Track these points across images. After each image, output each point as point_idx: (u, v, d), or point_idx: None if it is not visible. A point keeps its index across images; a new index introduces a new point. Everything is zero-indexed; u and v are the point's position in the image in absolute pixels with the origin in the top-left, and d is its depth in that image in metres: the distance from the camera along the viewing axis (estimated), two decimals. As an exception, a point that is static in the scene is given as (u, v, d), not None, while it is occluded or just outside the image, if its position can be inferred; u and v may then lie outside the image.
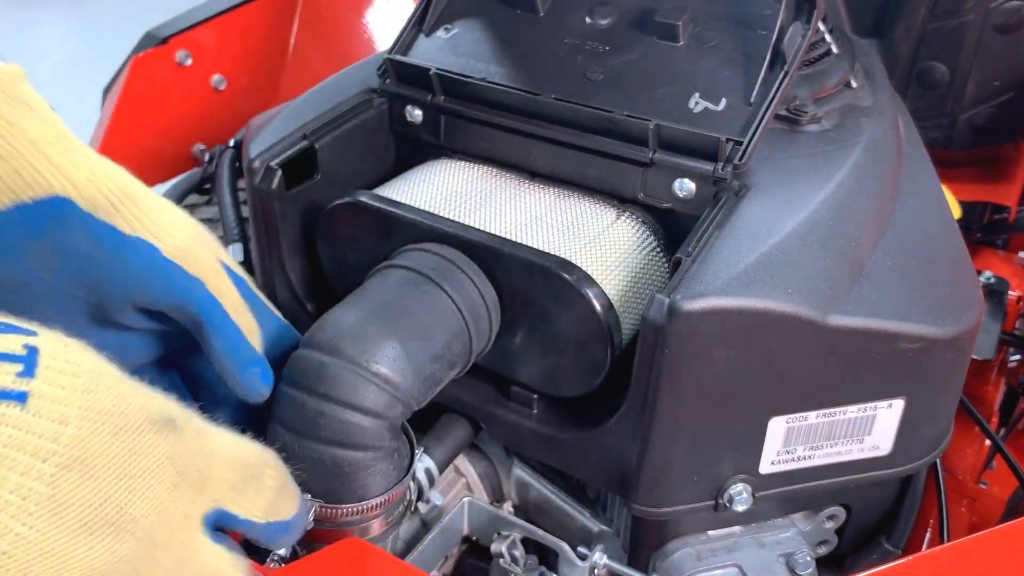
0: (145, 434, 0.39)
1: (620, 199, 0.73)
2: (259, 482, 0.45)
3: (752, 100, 0.69)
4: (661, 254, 0.72)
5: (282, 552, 0.62)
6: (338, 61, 0.94)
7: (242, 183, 1.05)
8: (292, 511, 0.49)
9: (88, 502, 0.36)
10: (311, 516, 0.55)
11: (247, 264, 0.88)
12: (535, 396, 0.71)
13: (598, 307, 0.63)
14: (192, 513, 0.41)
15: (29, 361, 0.36)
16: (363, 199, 0.71)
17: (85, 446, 0.36)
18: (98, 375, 0.38)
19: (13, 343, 0.36)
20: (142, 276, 0.50)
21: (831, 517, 0.76)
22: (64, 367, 0.37)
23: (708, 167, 0.68)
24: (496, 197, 0.75)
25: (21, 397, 0.35)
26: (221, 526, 0.44)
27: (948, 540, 0.82)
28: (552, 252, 0.66)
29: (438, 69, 0.77)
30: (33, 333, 0.38)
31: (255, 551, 0.64)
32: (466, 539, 0.77)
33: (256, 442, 0.47)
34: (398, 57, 0.80)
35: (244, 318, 0.55)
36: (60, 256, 0.49)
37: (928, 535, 0.92)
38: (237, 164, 1.09)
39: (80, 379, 0.37)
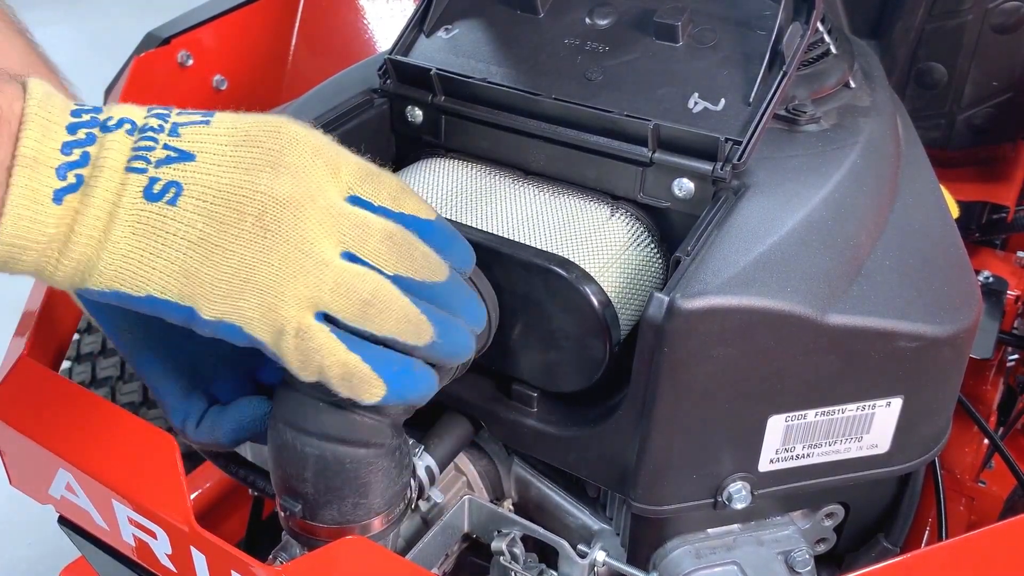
0: (286, 126, 0.55)
1: (614, 196, 0.73)
2: (379, 178, 0.57)
3: (751, 100, 0.69)
4: (656, 250, 0.72)
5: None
6: (339, 61, 0.95)
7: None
8: (422, 211, 0.58)
9: (258, 160, 0.53)
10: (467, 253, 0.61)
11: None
12: (535, 394, 0.71)
13: (596, 303, 0.64)
14: (333, 185, 0.55)
15: (207, 114, 0.55)
16: (364, 199, 0.71)
17: (248, 133, 0.54)
18: (254, 117, 0.55)
19: (197, 114, 0.54)
20: None
21: (830, 515, 0.76)
22: (229, 115, 0.55)
23: (707, 167, 0.68)
24: (494, 196, 0.75)
25: (205, 122, 0.54)
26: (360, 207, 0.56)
27: (946, 538, 0.83)
28: (550, 250, 0.66)
29: (438, 69, 0.77)
30: (208, 112, 0.55)
31: (256, 551, 0.64)
32: (466, 537, 0.77)
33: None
34: (399, 57, 0.80)
35: None
36: None
37: (927, 533, 0.92)
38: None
39: (242, 117, 0.55)
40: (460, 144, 0.79)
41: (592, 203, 0.73)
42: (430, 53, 0.81)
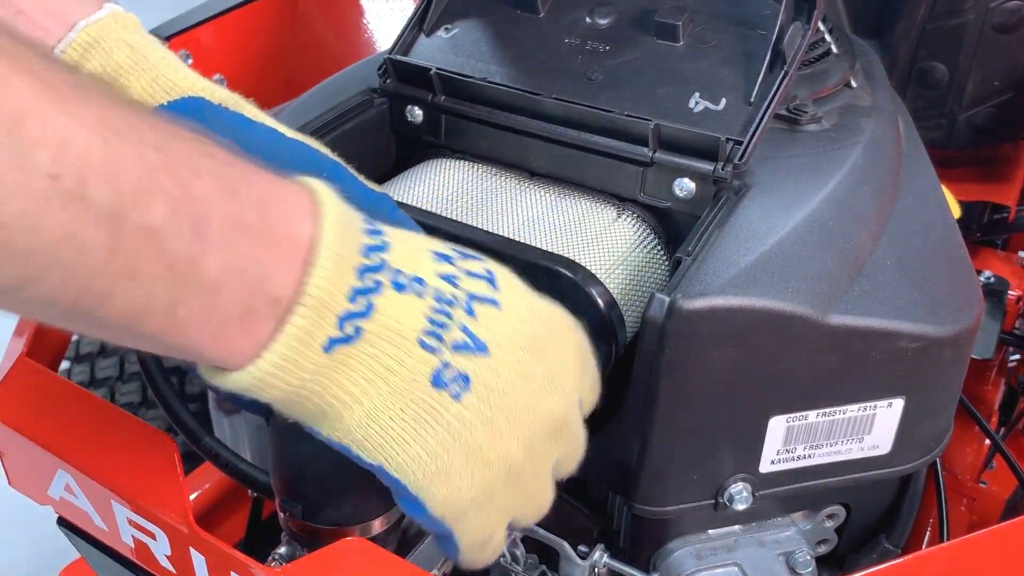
0: (566, 329, 0.54)
1: (620, 198, 0.73)
2: (592, 367, 0.57)
3: (752, 100, 0.69)
4: (662, 252, 0.72)
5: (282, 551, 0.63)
6: (339, 61, 0.94)
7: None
8: None
9: (541, 373, 0.50)
10: None
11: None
12: (536, 395, 0.71)
13: (602, 304, 0.64)
14: (578, 394, 0.54)
15: (491, 278, 0.51)
16: (364, 199, 0.71)
17: (536, 335, 0.51)
18: (528, 289, 0.53)
19: (479, 266, 0.51)
20: (275, 151, 0.59)
21: (831, 516, 0.76)
22: (511, 282, 0.52)
23: (708, 167, 0.68)
24: (497, 197, 0.75)
25: (495, 302, 0.50)
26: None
27: (948, 539, 0.82)
28: (555, 251, 0.66)
29: (438, 69, 0.77)
30: (482, 259, 0.52)
31: (256, 551, 0.64)
32: (467, 538, 0.77)
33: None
34: (399, 57, 0.80)
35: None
36: None
37: (928, 534, 0.92)
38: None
39: (523, 290, 0.52)
40: (460, 144, 0.79)
41: (598, 204, 0.73)
42: (430, 53, 0.80)
